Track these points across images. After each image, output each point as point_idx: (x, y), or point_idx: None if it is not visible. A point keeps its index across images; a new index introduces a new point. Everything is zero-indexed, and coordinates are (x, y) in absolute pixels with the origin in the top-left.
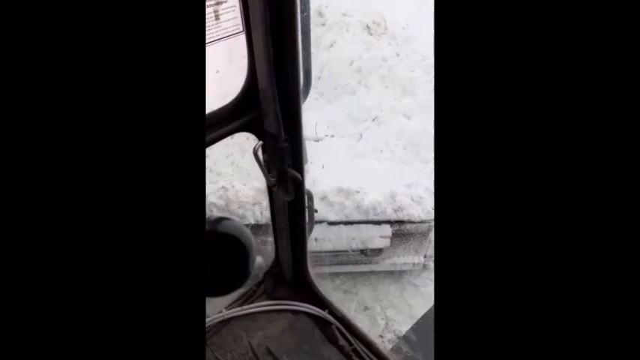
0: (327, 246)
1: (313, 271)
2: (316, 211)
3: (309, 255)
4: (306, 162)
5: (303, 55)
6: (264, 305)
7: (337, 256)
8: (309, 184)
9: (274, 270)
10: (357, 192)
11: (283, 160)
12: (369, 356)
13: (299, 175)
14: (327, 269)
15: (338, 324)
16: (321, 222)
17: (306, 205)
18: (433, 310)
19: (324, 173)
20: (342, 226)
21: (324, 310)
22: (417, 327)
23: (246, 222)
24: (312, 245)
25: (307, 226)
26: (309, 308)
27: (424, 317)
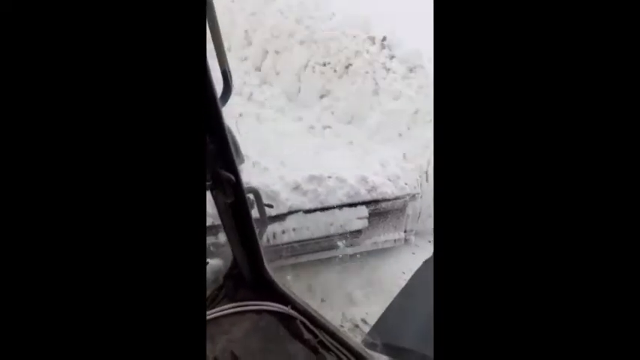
0: (306, 234)
1: (271, 267)
2: (271, 206)
3: (286, 247)
4: (243, 162)
5: (217, 56)
6: (226, 309)
7: (318, 243)
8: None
9: (233, 272)
10: (329, 177)
11: (213, 162)
12: (334, 345)
13: (232, 176)
14: (309, 257)
15: (302, 318)
16: (297, 211)
17: (253, 202)
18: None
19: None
20: (318, 212)
21: (286, 305)
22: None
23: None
24: (290, 235)
25: (259, 224)
26: (271, 306)
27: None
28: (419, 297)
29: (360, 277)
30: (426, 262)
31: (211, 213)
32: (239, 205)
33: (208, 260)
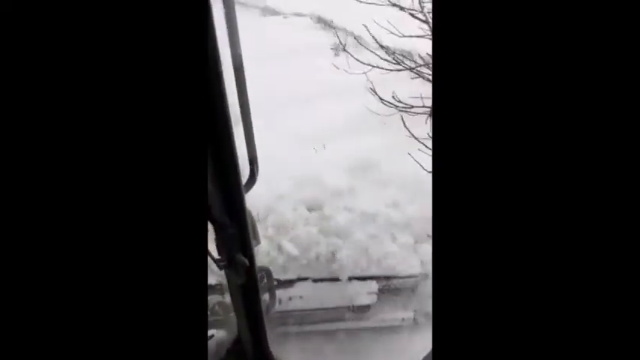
0: (313, 303)
1: (275, 334)
2: (280, 281)
3: (292, 314)
4: (258, 244)
5: (247, 144)
6: None
7: (324, 314)
8: None
9: (236, 348)
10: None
11: (231, 246)
12: None
13: (246, 261)
14: (314, 327)
15: None
16: (305, 279)
17: (264, 282)
18: None
19: None
20: (326, 282)
21: None
22: None
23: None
24: (296, 303)
25: (268, 305)
26: None
27: None
28: None
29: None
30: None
31: (222, 272)
32: (250, 288)
33: (214, 332)
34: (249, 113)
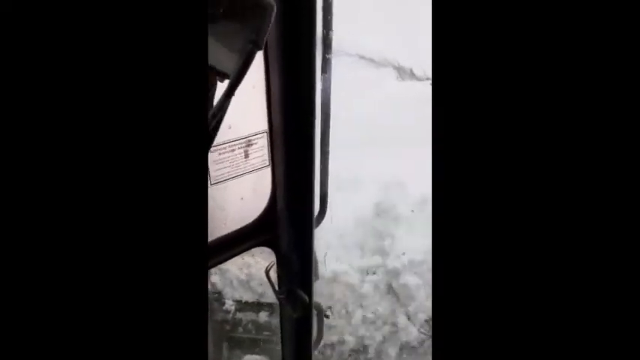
0: None
1: None
2: (327, 316)
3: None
4: (317, 279)
5: (320, 181)
6: None
7: None
8: None
9: None
10: None
11: (293, 279)
12: None
13: (306, 297)
14: None
15: None
16: None
17: (314, 316)
18: None
19: None
20: None
21: None
22: None
23: (267, 300)
24: None
25: (315, 338)
26: None
27: None
28: None
29: None
30: None
31: (260, 291)
32: (304, 322)
33: (257, 358)
34: (328, 151)
